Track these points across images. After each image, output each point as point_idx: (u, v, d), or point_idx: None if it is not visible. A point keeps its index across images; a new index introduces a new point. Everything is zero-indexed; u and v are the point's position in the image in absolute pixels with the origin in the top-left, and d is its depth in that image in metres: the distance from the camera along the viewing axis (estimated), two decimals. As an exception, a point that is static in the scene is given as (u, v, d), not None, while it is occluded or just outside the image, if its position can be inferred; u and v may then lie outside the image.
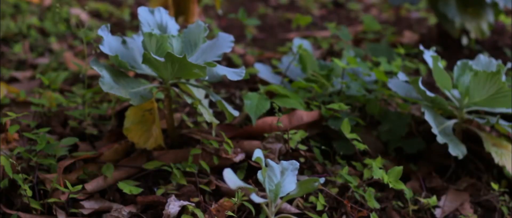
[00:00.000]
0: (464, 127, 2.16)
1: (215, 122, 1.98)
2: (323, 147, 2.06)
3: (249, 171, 1.97)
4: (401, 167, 1.82)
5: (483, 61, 2.16)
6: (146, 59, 1.82)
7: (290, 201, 1.85)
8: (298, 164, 1.63)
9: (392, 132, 2.15)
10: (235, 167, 1.97)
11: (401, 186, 1.80)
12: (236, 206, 1.76)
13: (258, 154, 1.54)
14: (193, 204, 1.75)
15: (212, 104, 2.30)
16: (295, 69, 2.44)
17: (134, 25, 3.53)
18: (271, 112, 2.15)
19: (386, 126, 2.16)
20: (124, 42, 1.95)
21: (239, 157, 1.96)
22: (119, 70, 1.91)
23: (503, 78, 2.00)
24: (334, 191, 1.90)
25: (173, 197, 1.76)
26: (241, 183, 1.48)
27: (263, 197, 1.75)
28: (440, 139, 1.97)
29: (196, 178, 1.88)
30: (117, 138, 2.08)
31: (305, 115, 2.12)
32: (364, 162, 1.98)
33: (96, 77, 2.65)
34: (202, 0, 3.48)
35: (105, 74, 1.83)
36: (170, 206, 1.72)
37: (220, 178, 1.91)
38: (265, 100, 2.10)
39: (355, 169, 2.01)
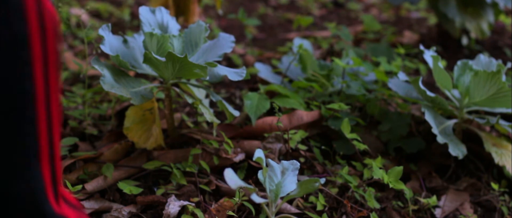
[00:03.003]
0: (464, 127, 2.16)
1: (216, 121, 1.98)
2: (323, 147, 2.07)
3: (249, 171, 1.97)
4: (401, 167, 1.82)
5: (483, 61, 2.16)
6: (147, 59, 1.82)
7: (290, 201, 1.85)
8: (298, 164, 1.63)
9: (393, 131, 2.15)
10: (235, 167, 1.97)
11: (401, 186, 1.80)
12: (236, 206, 1.76)
13: (259, 154, 1.54)
14: (193, 204, 1.75)
15: (212, 104, 2.30)
16: (295, 69, 2.44)
17: (134, 25, 3.53)
18: (271, 112, 2.15)
19: (386, 125, 2.16)
20: (125, 41, 1.95)
21: (239, 157, 1.96)
22: (120, 70, 1.91)
23: (503, 78, 2.00)
24: (334, 191, 1.90)
25: (173, 197, 1.76)
26: (241, 183, 1.48)
27: (263, 197, 1.75)
28: (440, 139, 1.97)
29: (196, 178, 1.88)
30: (117, 138, 2.08)
31: (305, 115, 2.12)
32: (364, 162, 1.98)
33: (96, 77, 2.65)
34: (202, 0, 3.48)
35: (106, 74, 1.83)
36: (170, 206, 1.72)
37: (220, 178, 1.91)
38: (265, 100, 2.10)
39: (355, 169, 2.01)
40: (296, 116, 2.11)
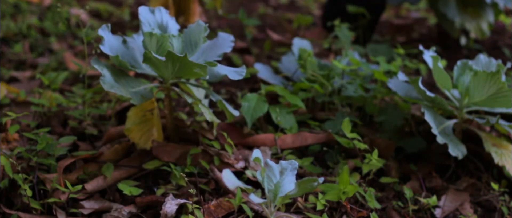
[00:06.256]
0: (464, 127, 2.16)
1: (216, 121, 1.98)
2: (324, 148, 2.06)
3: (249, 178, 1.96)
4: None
5: (483, 61, 2.16)
6: (147, 59, 1.82)
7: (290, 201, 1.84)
8: (297, 163, 1.62)
9: (388, 123, 2.15)
10: (236, 175, 1.96)
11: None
12: (236, 207, 1.76)
13: (257, 154, 1.54)
14: (191, 202, 1.74)
15: (211, 104, 2.30)
16: (293, 69, 2.44)
17: (134, 25, 3.53)
18: (276, 124, 2.16)
19: (381, 117, 2.16)
20: (124, 41, 1.95)
21: (240, 164, 1.96)
22: (120, 70, 1.91)
23: (503, 78, 2.00)
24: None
25: (170, 196, 1.75)
26: (239, 183, 1.48)
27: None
28: (440, 139, 1.97)
29: (196, 178, 1.88)
30: (117, 138, 2.07)
31: (311, 137, 2.10)
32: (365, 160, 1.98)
33: (96, 77, 2.65)
34: (206, 4, 3.49)
35: (106, 73, 1.83)
36: (167, 205, 1.72)
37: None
38: (263, 103, 2.09)
39: (355, 167, 2.01)
40: (300, 137, 2.09)
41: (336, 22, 2.72)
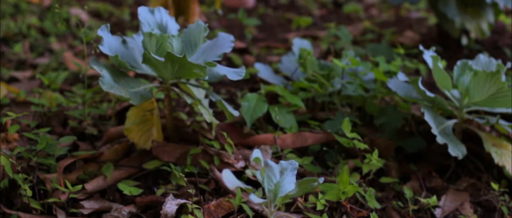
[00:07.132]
0: (464, 127, 2.16)
1: (215, 122, 1.98)
2: (324, 148, 2.06)
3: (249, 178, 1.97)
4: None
5: (483, 61, 2.16)
6: (146, 59, 1.82)
7: (290, 201, 1.84)
8: (297, 163, 1.62)
9: (388, 125, 2.15)
10: (236, 174, 1.96)
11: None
12: (236, 207, 1.76)
13: (257, 154, 1.54)
14: (191, 202, 1.74)
15: (211, 104, 2.30)
16: (294, 69, 2.44)
17: (134, 25, 3.53)
18: (276, 124, 2.15)
19: (382, 119, 2.16)
20: (124, 42, 1.95)
21: (240, 164, 1.96)
22: (119, 70, 1.91)
23: (503, 78, 2.00)
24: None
25: (170, 196, 1.75)
26: (239, 183, 1.49)
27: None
28: (440, 139, 1.97)
29: (196, 178, 1.88)
30: (117, 138, 2.07)
31: (311, 137, 2.10)
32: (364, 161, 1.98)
33: (96, 77, 2.65)
34: (210, 6, 3.48)
35: (105, 74, 1.83)
36: (167, 205, 1.72)
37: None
38: (263, 103, 2.09)
39: (355, 167, 2.01)
40: (300, 137, 2.09)
41: (333, 24, 2.73)
